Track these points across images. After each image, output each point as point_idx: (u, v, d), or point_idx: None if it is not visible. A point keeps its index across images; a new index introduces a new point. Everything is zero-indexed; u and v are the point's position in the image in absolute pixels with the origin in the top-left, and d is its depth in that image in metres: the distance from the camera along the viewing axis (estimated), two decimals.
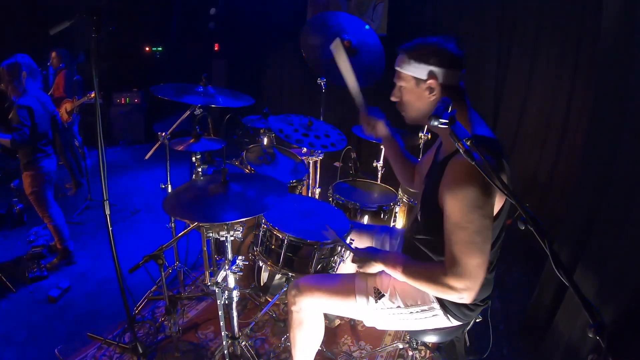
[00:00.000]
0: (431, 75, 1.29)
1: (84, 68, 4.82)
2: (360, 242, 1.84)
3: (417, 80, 1.32)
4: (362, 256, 1.50)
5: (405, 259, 1.39)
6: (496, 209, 1.24)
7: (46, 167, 2.77)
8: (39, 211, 2.82)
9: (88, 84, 4.47)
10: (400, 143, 1.78)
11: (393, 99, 1.42)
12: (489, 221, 1.19)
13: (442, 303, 1.41)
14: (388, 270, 1.41)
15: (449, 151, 1.31)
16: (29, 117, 2.60)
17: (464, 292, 1.20)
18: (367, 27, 2.50)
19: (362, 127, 1.79)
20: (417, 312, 1.44)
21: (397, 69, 1.37)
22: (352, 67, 1.65)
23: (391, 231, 1.87)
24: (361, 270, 1.51)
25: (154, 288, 2.53)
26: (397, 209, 2.51)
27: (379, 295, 1.47)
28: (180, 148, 2.13)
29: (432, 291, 1.32)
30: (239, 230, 1.63)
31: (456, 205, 1.18)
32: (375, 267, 1.46)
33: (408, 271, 1.34)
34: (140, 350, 1.96)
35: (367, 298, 1.48)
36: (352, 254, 1.56)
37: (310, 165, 2.55)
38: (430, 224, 1.38)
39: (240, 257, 1.70)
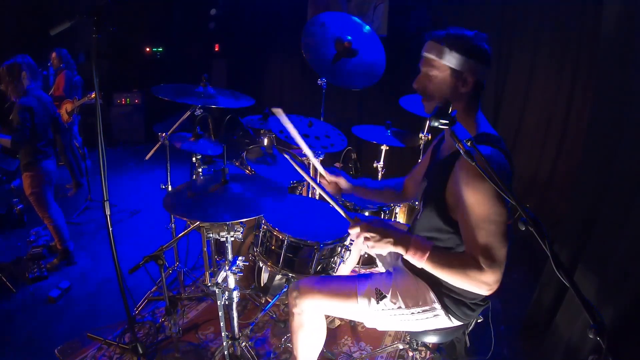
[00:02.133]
0: (469, 68, 1.27)
1: (85, 68, 4.82)
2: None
3: (453, 70, 1.29)
4: (373, 228, 1.24)
5: (432, 243, 1.24)
6: None
7: (46, 167, 2.77)
8: (39, 212, 2.82)
9: (88, 84, 4.47)
10: (368, 184, 1.77)
11: (417, 86, 1.38)
12: (507, 211, 1.19)
13: (444, 303, 1.41)
14: (408, 253, 1.23)
15: (454, 148, 1.30)
16: (30, 118, 2.60)
17: (495, 285, 1.17)
18: (367, 27, 2.50)
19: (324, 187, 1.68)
20: (418, 312, 1.44)
21: (431, 56, 1.30)
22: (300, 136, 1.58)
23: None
24: (370, 248, 1.26)
25: (154, 288, 2.53)
26: (398, 209, 2.51)
27: (380, 296, 1.47)
28: (179, 145, 2.13)
29: (461, 283, 1.20)
30: (239, 231, 1.63)
31: (480, 199, 1.16)
32: (389, 248, 1.24)
33: (436, 258, 1.21)
34: (141, 351, 1.96)
35: (369, 299, 1.47)
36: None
37: (311, 166, 2.55)
38: (432, 221, 1.38)
39: (240, 258, 1.69)
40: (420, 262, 1.22)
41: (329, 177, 1.69)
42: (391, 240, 1.23)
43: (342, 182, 1.70)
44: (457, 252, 1.34)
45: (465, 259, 1.21)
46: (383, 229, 1.24)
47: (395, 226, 1.38)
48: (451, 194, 1.27)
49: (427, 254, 1.21)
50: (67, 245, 2.92)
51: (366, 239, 1.24)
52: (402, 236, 1.25)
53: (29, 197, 2.79)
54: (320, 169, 1.69)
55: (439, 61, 1.29)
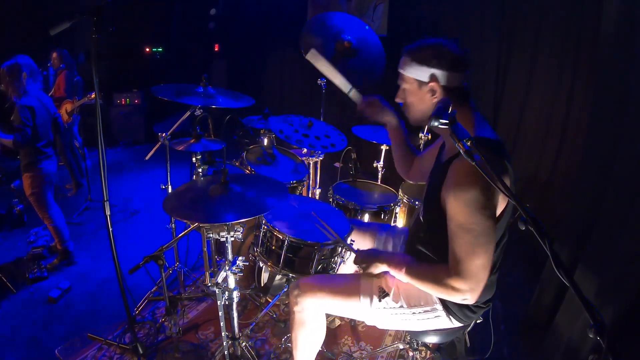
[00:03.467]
0: (432, 77, 1.30)
1: (85, 68, 4.82)
2: (361, 241, 1.84)
3: (419, 82, 1.33)
4: (365, 257, 1.49)
5: (410, 259, 1.39)
6: (499, 210, 1.24)
7: (46, 168, 2.77)
8: (39, 212, 2.82)
9: (88, 84, 4.47)
10: (405, 131, 1.77)
11: (397, 100, 1.44)
12: (492, 222, 1.19)
13: (445, 304, 1.41)
14: (392, 271, 1.41)
15: (452, 152, 1.30)
16: (31, 118, 2.61)
17: (467, 293, 1.21)
18: (367, 27, 2.50)
19: (366, 114, 1.72)
20: (419, 312, 1.44)
21: (400, 71, 1.38)
22: (336, 68, 1.68)
23: (393, 230, 1.87)
24: (364, 271, 1.49)
25: (154, 289, 2.53)
26: (398, 209, 2.51)
27: (382, 294, 1.47)
28: (180, 148, 2.13)
29: (435, 292, 1.32)
30: (239, 231, 1.63)
31: (459, 207, 1.19)
32: (379, 268, 1.45)
33: (411, 272, 1.35)
34: (141, 351, 1.96)
35: (371, 298, 1.48)
36: (353, 255, 1.55)
37: (311, 165, 2.55)
38: (432, 224, 1.38)
39: (240, 258, 1.70)
40: (400, 275, 1.38)
41: (368, 104, 1.70)
42: (377, 263, 1.44)
43: (387, 113, 1.70)
44: (432, 264, 1.41)
45: (440, 267, 1.29)
46: (370, 256, 1.47)
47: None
48: (443, 198, 1.28)
49: (404, 268, 1.35)
50: (67, 245, 2.92)
51: (362, 266, 1.48)
52: (386, 257, 1.44)
53: (28, 198, 2.79)
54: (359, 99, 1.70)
55: (406, 74, 1.36)
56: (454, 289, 1.22)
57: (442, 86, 1.31)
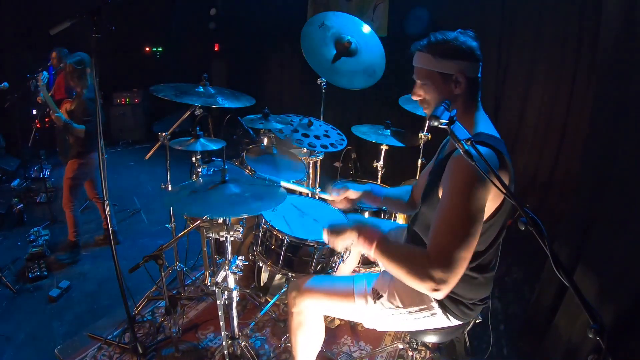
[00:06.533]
0: (458, 69, 1.29)
1: None
2: None
3: (443, 76, 1.31)
4: (331, 229, 1.39)
5: (384, 235, 1.30)
6: (494, 206, 1.24)
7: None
8: (67, 198, 2.94)
9: None
10: (375, 191, 1.82)
11: (415, 97, 1.40)
12: (480, 216, 1.17)
13: (442, 302, 1.41)
14: (360, 242, 1.31)
15: (453, 147, 1.31)
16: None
17: (441, 284, 1.12)
18: (367, 27, 2.50)
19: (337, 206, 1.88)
20: (416, 311, 1.44)
21: (420, 66, 1.34)
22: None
23: (394, 227, 1.87)
24: (331, 240, 1.39)
25: (154, 288, 2.53)
26: None
27: (377, 296, 1.47)
28: (180, 148, 2.14)
29: (405, 276, 1.19)
30: (238, 231, 1.63)
31: (454, 195, 1.18)
32: (347, 238, 1.35)
33: (383, 248, 1.26)
34: (140, 351, 1.96)
35: (366, 299, 1.48)
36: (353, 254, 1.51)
37: (310, 165, 2.55)
38: (429, 218, 1.38)
39: (240, 258, 1.70)
40: (369, 250, 1.30)
41: (338, 198, 1.83)
42: (343, 234, 1.36)
43: (351, 194, 1.81)
44: (409, 245, 1.37)
45: (416, 250, 1.24)
46: (336, 227, 1.38)
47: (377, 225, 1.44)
48: (440, 190, 1.29)
49: (375, 243, 1.28)
50: (79, 238, 3.03)
51: (330, 234, 1.40)
52: (353, 227, 1.35)
53: (65, 181, 2.94)
54: (328, 197, 1.85)
55: (427, 69, 1.33)
56: (429, 277, 1.13)
57: (466, 77, 1.30)
